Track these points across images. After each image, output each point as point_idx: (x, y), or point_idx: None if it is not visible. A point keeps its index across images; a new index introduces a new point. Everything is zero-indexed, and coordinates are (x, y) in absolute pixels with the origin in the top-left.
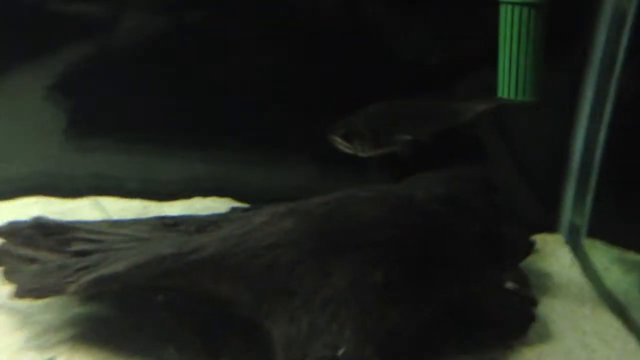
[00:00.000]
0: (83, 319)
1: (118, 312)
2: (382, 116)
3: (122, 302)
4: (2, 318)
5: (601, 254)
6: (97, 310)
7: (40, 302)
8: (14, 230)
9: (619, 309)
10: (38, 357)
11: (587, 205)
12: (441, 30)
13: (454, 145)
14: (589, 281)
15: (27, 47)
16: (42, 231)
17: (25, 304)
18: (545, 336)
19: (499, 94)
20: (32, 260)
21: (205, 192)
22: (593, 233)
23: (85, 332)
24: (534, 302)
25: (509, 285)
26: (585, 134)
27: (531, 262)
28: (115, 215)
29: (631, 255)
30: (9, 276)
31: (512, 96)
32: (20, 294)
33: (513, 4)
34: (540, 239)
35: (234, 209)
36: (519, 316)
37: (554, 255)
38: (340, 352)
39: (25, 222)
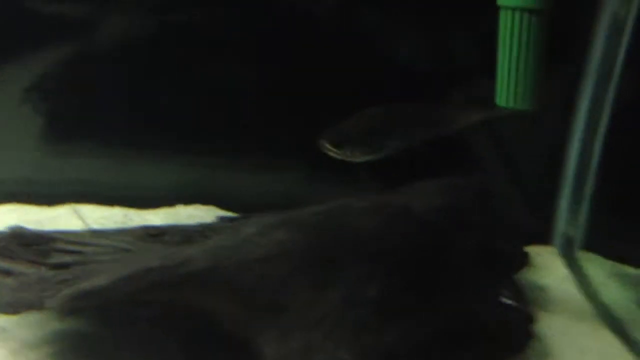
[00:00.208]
0: (62, 335)
1: (99, 328)
2: (373, 122)
3: (104, 316)
4: None
5: (597, 268)
6: (77, 326)
7: (16, 318)
8: None
9: (617, 326)
10: None
11: (581, 217)
12: (438, 36)
13: (448, 153)
14: (586, 296)
15: (3, 49)
16: (19, 242)
17: (0, 319)
18: (544, 354)
19: (497, 102)
20: (9, 273)
21: (188, 199)
22: (587, 245)
23: (65, 349)
24: (532, 319)
25: (507, 300)
26: (581, 145)
27: (525, 274)
28: (95, 224)
29: (627, 269)
30: None
31: (510, 104)
32: None
33: (513, 9)
34: (533, 250)
35: (220, 218)
36: (518, 333)
37: (548, 268)
38: None
39: (0, 232)
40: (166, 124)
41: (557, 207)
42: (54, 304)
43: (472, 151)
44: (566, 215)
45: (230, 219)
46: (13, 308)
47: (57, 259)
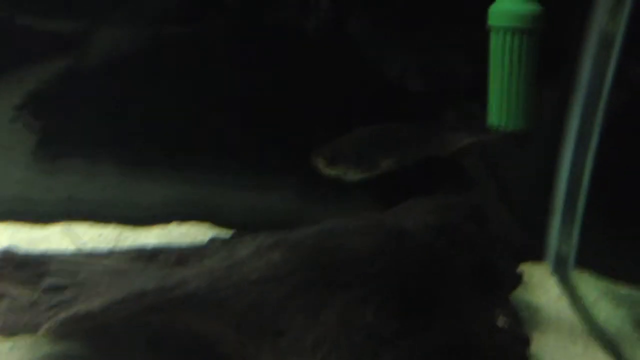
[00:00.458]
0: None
1: (92, 352)
2: (367, 141)
3: (97, 340)
4: None
5: (590, 286)
6: (70, 349)
7: (9, 342)
8: None
9: (611, 347)
10: None
11: (574, 235)
12: (430, 56)
13: (440, 172)
14: (579, 316)
15: None
16: (11, 263)
17: None
18: None
19: (490, 122)
20: (1, 296)
21: (183, 217)
22: (580, 263)
23: None
24: (527, 342)
25: (501, 322)
26: (572, 161)
27: (518, 293)
28: (89, 243)
29: (620, 288)
30: None
31: (502, 124)
32: None
33: (505, 29)
34: (527, 268)
35: (214, 239)
36: (512, 356)
37: (541, 286)
38: None
39: None
40: (160, 142)
41: (549, 224)
42: (47, 327)
43: (464, 169)
44: (558, 233)
45: (224, 240)
46: (6, 332)
47: (50, 281)
